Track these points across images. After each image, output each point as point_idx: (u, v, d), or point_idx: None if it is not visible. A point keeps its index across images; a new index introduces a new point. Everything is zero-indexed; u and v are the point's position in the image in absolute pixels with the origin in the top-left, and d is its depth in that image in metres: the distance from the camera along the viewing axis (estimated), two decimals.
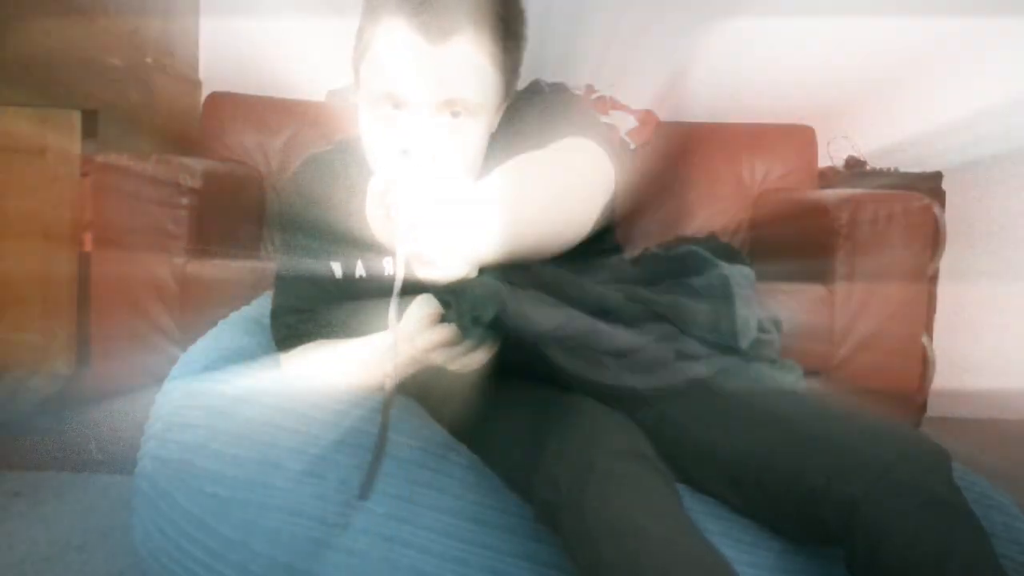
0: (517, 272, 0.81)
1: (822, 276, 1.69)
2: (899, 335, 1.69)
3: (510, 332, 0.81)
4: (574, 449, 0.76)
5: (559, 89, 1.01)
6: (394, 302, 0.69)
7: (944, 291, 2.10)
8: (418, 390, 0.95)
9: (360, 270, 1.01)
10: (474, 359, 0.84)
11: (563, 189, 0.80)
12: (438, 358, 0.82)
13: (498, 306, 0.75)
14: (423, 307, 0.82)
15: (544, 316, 0.82)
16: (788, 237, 1.89)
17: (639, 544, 0.67)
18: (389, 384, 0.71)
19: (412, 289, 0.70)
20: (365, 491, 0.76)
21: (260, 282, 1.42)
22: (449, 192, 0.62)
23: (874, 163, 2.21)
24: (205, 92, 2.17)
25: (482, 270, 0.70)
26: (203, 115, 2.09)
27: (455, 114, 0.88)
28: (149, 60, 1.99)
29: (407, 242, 0.63)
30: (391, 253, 0.98)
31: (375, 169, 0.94)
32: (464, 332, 0.78)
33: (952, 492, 0.73)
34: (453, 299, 0.76)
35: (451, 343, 0.80)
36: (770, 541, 0.85)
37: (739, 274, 1.01)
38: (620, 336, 0.89)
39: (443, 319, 0.80)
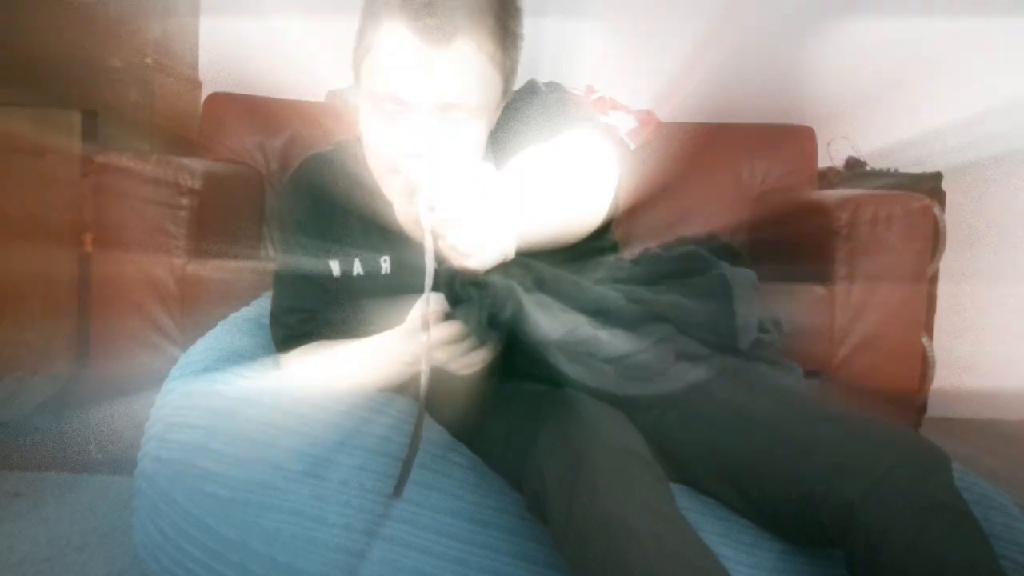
0: (518, 271, 0.81)
1: (822, 276, 1.69)
2: (899, 335, 1.69)
3: (519, 336, 0.81)
4: (565, 441, 0.76)
5: (555, 88, 1.02)
6: (427, 297, 0.70)
7: (944, 291, 2.10)
8: (420, 390, 0.95)
9: (359, 269, 1.01)
10: (476, 359, 0.84)
11: (578, 177, 0.82)
12: (441, 356, 0.82)
13: (515, 307, 0.76)
14: (427, 305, 0.82)
15: (551, 323, 0.82)
16: (788, 237, 1.89)
17: (627, 541, 0.67)
18: (424, 379, 0.72)
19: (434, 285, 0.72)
20: (399, 489, 0.77)
21: (260, 282, 1.42)
22: (480, 183, 0.63)
23: (874, 163, 2.21)
24: (205, 92, 2.17)
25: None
26: (203, 115, 2.09)
27: (456, 116, 0.88)
28: (149, 60, 1.99)
29: (440, 237, 0.65)
30: (395, 252, 0.99)
31: (376, 169, 0.95)
32: (476, 330, 0.78)
33: (952, 495, 0.72)
34: (476, 294, 0.76)
35: (456, 340, 0.80)
36: (770, 542, 0.85)
37: (739, 274, 1.01)
38: (621, 343, 0.89)
39: (448, 317, 0.80)
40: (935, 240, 1.83)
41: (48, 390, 1.86)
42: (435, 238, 0.67)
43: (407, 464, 0.76)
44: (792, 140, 2.17)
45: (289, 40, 2.13)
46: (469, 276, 0.75)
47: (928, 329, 2.00)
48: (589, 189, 0.85)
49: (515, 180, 0.71)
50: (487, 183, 0.64)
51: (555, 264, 0.90)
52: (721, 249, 1.11)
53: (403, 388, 0.96)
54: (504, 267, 0.75)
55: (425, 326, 0.73)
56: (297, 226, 1.03)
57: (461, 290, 0.77)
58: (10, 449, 1.64)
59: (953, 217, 2.01)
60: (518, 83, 0.99)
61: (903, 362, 1.71)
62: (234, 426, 0.90)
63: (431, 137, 0.87)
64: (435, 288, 0.77)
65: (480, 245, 0.66)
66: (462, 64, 0.86)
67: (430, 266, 0.69)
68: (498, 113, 0.96)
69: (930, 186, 2.09)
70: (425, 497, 0.86)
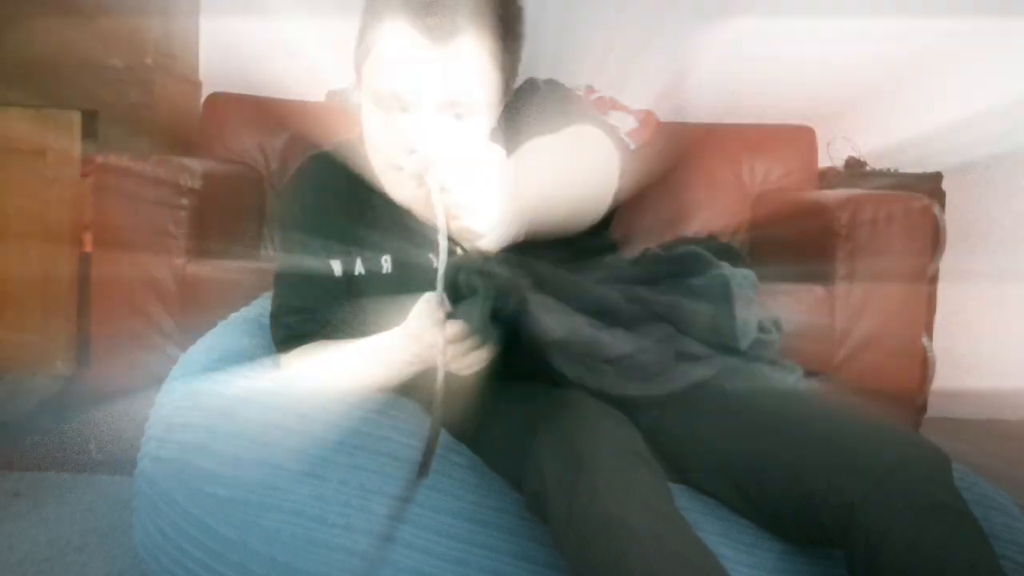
0: (518, 271, 0.81)
1: (822, 276, 1.69)
2: (899, 335, 1.69)
3: (519, 336, 0.81)
4: (565, 441, 0.76)
5: (555, 86, 1.02)
6: (440, 277, 0.71)
7: (944, 291, 2.10)
8: (420, 390, 0.95)
9: (360, 269, 1.01)
10: (477, 359, 0.84)
11: (581, 166, 0.83)
12: (444, 356, 0.82)
13: (519, 299, 0.76)
14: (429, 306, 0.82)
15: (551, 323, 0.82)
16: (788, 238, 1.89)
17: (627, 541, 0.67)
18: (441, 370, 0.72)
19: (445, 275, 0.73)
20: (424, 471, 0.77)
21: (260, 282, 1.42)
22: (491, 161, 0.63)
23: (874, 163, 2.21)
24: (205, 92, 2.17)
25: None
26: (203, 115, 2.09)
27: (459, 114, 0.89)
28: (149, 60, 1.99)
29: (453, 217, 0.65)
30: (396, 251, 0.99)
31: (378, 167, 0.95)
32: (478, 325, 0.78)
33: (952, 496, 0.72)
34: (481, 283, 0.76)
35: (458, 340, 0.80)
36: (770, 542, 0.85)
37: (739, 275, 1.01)
38: (621, 343, 0.89)
39: (450, 316, 0.80)
40: (935, 240, 1.83)
41: (48, 390, 1.86)
42: (448, 219, 0.67)
43: (431, 444, 0.76)
44: (792, 140, 2.18)
45: (289, 40, 2.13)
46: (476, 264, 0.75)
47: (928, 329, 2.00)
48: (593, 175, 0.86)
49: (522, 163, 0.72)
50: (497, 162, 0.65)
51: (555, 264, 0.90)
52: (721, 249, 1.11)
53: (404, 388, 0.96)
54: (506, 264, 0.75)
55: (442, 304, 0.74)
56: (298, 225, 1.03)
57: (466, 280, 0.77)
58: (10, 449, 1.64)
59: (953, 217, 2.01)
60: (517, 82, 0.99)
61: (903, 362, 1.71)
62: (234, 426, 0.90)
63: (433, 134, 0.87)
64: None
65: (493, 223, 0.66)
66: (464, 62, 0.87)
67: (443, 246, 0.69)
68: (499, 112, 0.96)
69: (930, 186, 2.09)
70: (425, 497, 0.86)
